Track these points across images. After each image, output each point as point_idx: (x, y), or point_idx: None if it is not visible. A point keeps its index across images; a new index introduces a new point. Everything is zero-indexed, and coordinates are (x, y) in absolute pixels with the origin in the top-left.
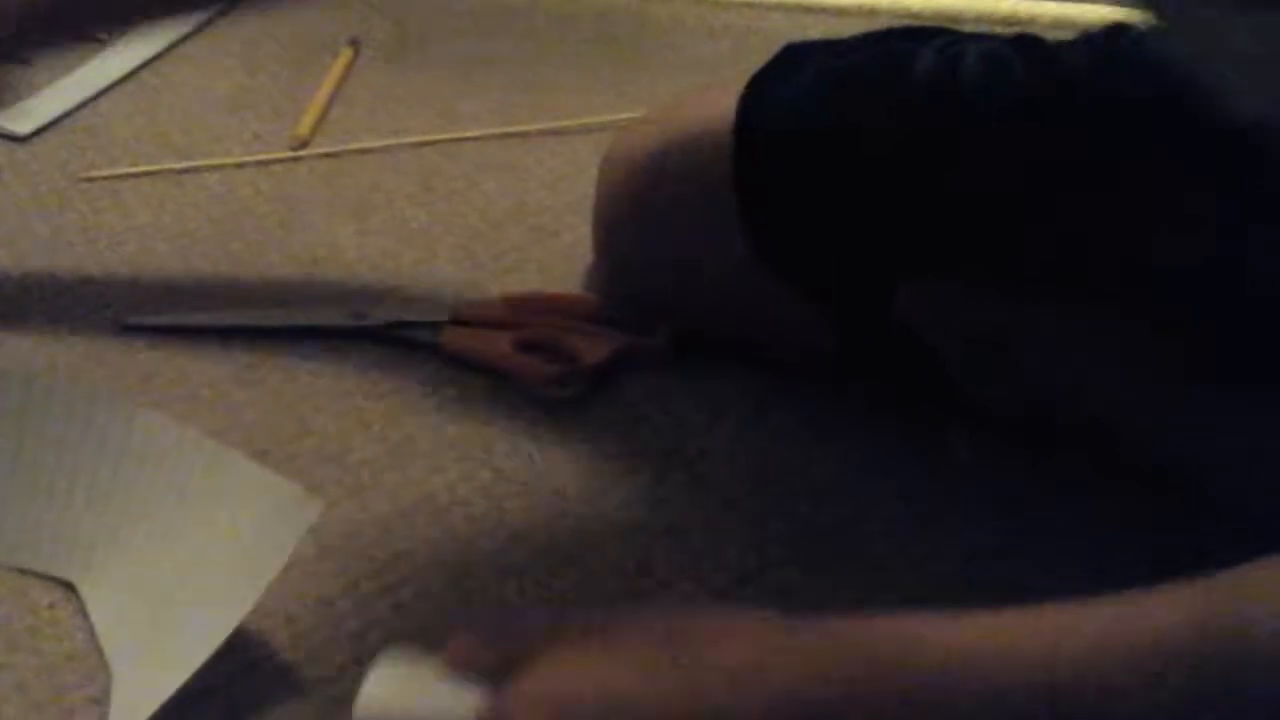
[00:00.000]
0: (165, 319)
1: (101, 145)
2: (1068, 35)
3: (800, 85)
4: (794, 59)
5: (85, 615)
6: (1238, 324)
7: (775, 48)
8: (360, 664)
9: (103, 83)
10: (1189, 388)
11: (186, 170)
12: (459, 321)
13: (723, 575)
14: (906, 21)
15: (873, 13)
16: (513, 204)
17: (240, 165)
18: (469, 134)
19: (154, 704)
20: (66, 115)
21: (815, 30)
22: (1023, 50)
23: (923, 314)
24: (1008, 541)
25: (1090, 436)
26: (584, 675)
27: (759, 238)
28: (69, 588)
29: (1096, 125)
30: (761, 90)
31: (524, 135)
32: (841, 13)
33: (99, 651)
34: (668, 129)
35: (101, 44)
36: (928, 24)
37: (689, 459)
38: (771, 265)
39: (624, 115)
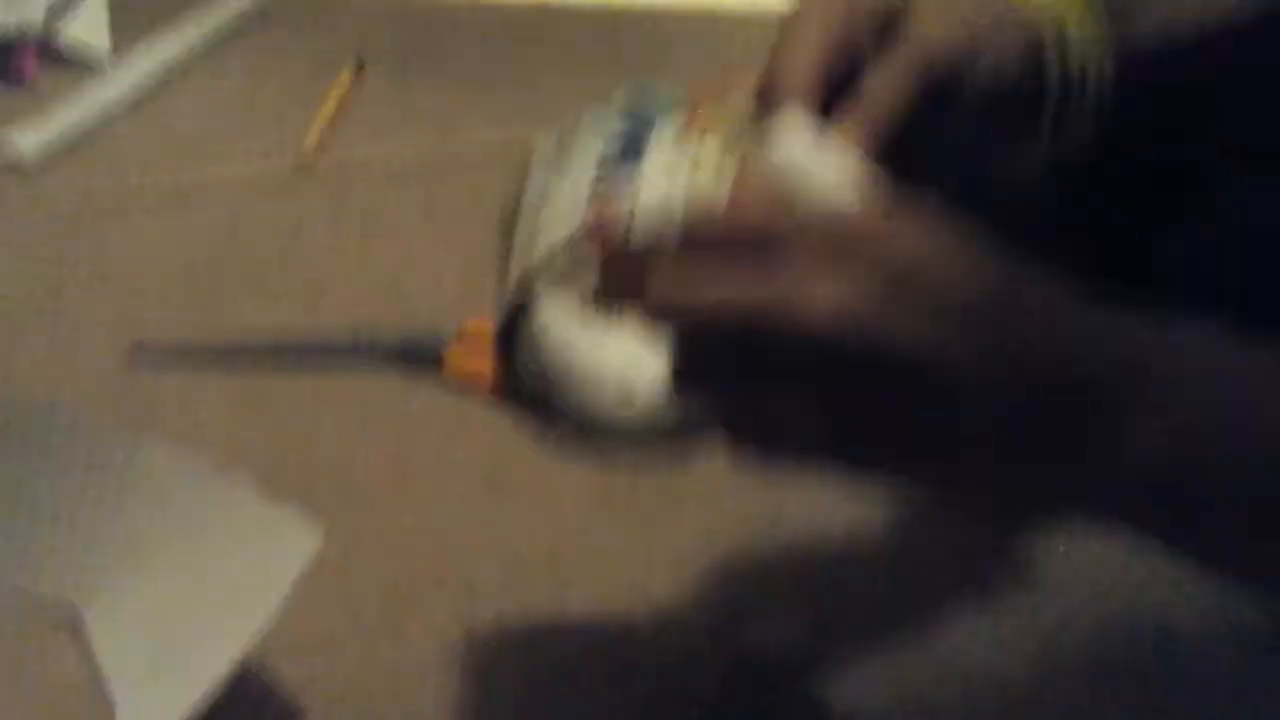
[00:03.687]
0: (170, 343)
1: (106, 168)
2: None
3: None
4: None
5: (89, 646)
6: None
7: None
8: (361, 696)
9: (107, 105)
10: None
11: (191, 192)
12: (463, 341)
13: (727, 607)
14: None
15: None
16: None
17: (245, 186)
18: (473, 149)
19: None
20: (71, 138)
21: None
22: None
23: None
24: None
25: None
26: None
27: None
28: (73, 618)
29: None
30: None
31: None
32: None
33: (102, 682)
34: None
35: (106, 67)
36: None
37: (696, 477)
38: None
39: None
